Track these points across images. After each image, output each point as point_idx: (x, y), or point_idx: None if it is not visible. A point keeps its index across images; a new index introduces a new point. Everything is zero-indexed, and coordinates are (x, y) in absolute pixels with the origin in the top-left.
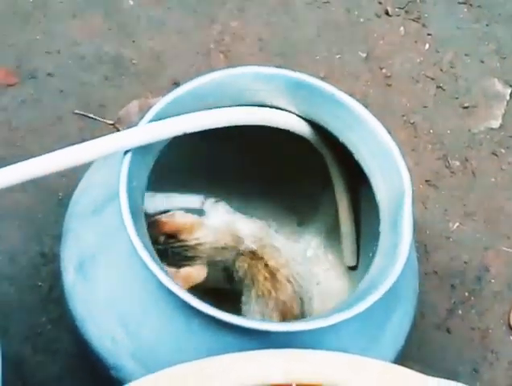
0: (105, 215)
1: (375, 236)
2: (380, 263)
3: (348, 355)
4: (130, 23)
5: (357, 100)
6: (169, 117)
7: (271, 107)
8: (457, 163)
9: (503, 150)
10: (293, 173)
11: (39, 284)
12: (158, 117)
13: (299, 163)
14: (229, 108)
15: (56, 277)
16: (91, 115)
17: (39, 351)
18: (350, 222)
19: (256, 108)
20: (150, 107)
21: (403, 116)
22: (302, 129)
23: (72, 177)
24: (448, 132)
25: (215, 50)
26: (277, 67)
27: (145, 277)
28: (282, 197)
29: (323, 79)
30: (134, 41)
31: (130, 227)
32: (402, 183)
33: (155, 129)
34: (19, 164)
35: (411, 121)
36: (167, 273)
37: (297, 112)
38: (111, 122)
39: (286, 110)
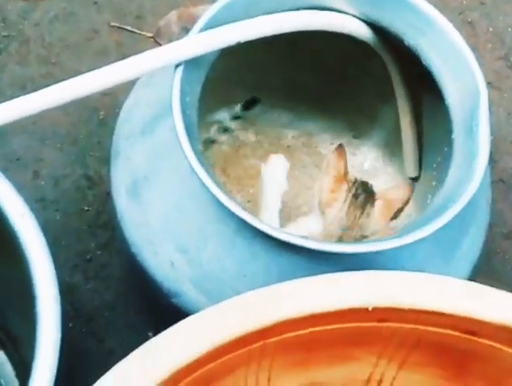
0: (157, 134)
1: (439, 145)
2: (456, 174)
3: (430, 275)
4: None
5: None
6: (220, 25)
7: (329, 9)
8: None
9: None
10: (349, 84)
11: (86, 208)
12: (209, 26)
13: (355, 73)
14: (282, 13)
15: (103, 201)
16: (128, 27)
17: (90, 278)
18: (413, 131)
19: (313, 11)
20: (191, 16)
21: (460, 14)
22: (363, 32)
23: (113, 95)
24: (509, 29)
25: None
26: None
27: (202, 197)
28: (336, 110)
29: None
30: None
31: (185, 144)
32: (477, 86)
33: (208, 38)
34: (61, 84)
35: (469, 20)
36: (226, 192)
37: (358, 15)
38: (150, 35)
39: (346, 13)
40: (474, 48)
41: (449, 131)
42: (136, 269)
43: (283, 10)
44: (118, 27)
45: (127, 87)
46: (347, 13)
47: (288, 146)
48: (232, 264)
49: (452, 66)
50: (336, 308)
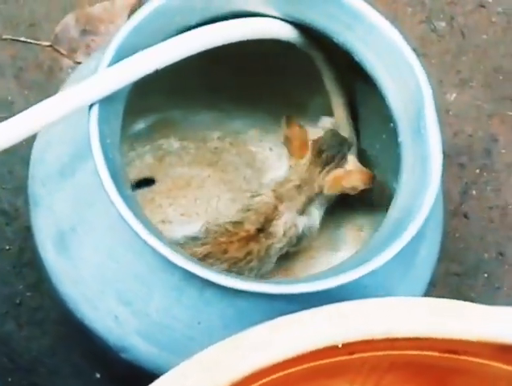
0: (78, 178)
1: (377, 133)
2: (409, 182)
3: (398, 298)
4: None
5: None
6: (132, 50)
7: (251, 14)
8: (443, 24)
9: (490, 0)
10: (275, 77)
11: (7, 247)
12: (120, 55)
13: (281, 65)
14: (201, 28)
15: (24, 237)
16: (22, 38)
17: (23, 325)
18: (349, 129)
19: (231, 21)
20: (89, 17)
21: None
22: (288, 34)
23: None
24: None
25: None
26: None
27: (139, 246)
28: (263, 105)
29: None
30: None
31: (113, 194)
32: (419, 84)
33: (121, 72)
34: None
35: None
36: (165, 241)
37: (281, 16)
38: (48, 43)
39: (269, 15)
40: (394, 14)
41: (389, 123)
42: (76, 324)
43: (198, 23)
44: (12, 39)
45: None
46: (270, 15)
47: (215, 148)
48: (183, 313)
49: (388, 62)
50: (307, 350)
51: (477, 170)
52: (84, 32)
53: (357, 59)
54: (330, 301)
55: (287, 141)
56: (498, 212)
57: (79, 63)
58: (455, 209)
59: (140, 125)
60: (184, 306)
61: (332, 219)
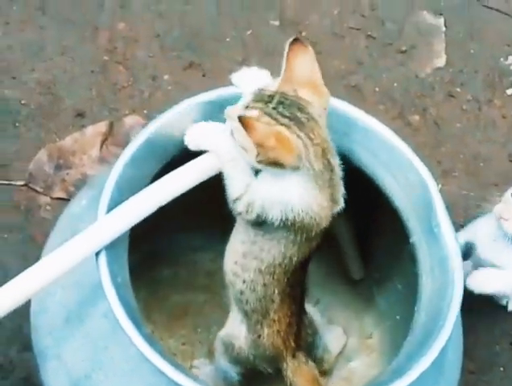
0: (88, 323)
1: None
2: (430, 283)
3: None
4: (2, 57)
5: None
6: (128, 190)
7: None
8: (416, 117)
9: (458, 89)
10: None
11: None
12: (116, 198)
13: None
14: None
15: None
16: None
17: None
18: (352, 241)
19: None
20: (62, 151)
21: (342, 79)
22: None
23: None
24: (395, 84)
25: (111, 61)
26: (189, 64)
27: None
28: None
29: (242, 62)
30: (14, 77)
31: (134, 335)
32: (423, 181)
33: (124, 216)
34: None
35: (353, 84)
36: (192, 376)
37: None
38: (22, 183)
39: None
40: (366, 112)
41: (404, 234)
42: None
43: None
44: None
45: None
46: None
47: (208, 272)
48: None
49: (387, 162)
50: None
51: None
52: (58, 167)
53: (356, 163)
54: None
55: None
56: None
57: (57, 199)
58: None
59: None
60: None
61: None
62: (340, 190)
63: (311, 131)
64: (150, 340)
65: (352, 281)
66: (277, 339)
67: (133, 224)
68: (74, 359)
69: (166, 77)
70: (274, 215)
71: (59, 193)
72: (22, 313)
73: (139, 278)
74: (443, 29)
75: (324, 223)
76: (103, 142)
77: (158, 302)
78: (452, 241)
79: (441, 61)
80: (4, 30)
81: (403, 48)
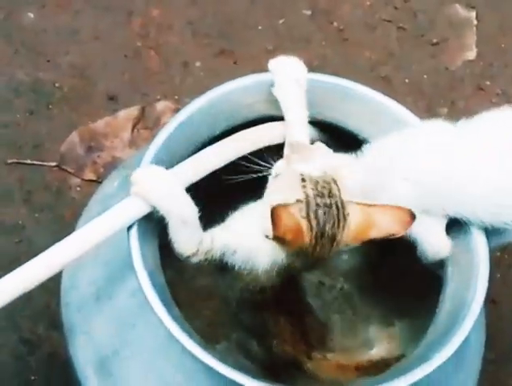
0: (117, 300)
1: None
2: (456, 273)
3: None
4: (37, 40)
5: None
6: (166, 160)
7: (274, 119)
8: (445, 110)
9: (488, 82)
10: None
11: (32, 378)
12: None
13: None
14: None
15: (50, 366)
16: (28, 161)
17: None
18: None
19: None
20: (94, 134)
21: (372, 70)
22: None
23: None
24: (425, 76)
25: (144, 47)
26: (221, 52)
27: (193, 367)
28: None
29: (274, 51)
30: (48, 60)
31: (162, 313)
32: None
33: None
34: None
35: (382, 75)
36: (217, 355)
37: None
38: (54, 164)
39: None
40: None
41: None
42: None
43: (227, 129)
44: (17, 163)
45: None
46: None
47: None
48: None
49: None
50: None
51: (498, 253)
52: (89, 149)
53: None
54: None
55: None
56: None
57: (88, 180)
58: None
59: None
60: None
61: (360, 319)
62: None
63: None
64: (178, 320)
65: (374, 268)
66: (287, 347)
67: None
68: (102, 336)
69: (197, 64)
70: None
71: (89, 175)
72: (50, 290)
73: (166, 259)
74: (475, 22)
75: None
76: (134, 126)
77: (185, 283)
78: (478, 232)
79: (472, 54)
80: (40, 13)
81: (434, 40)
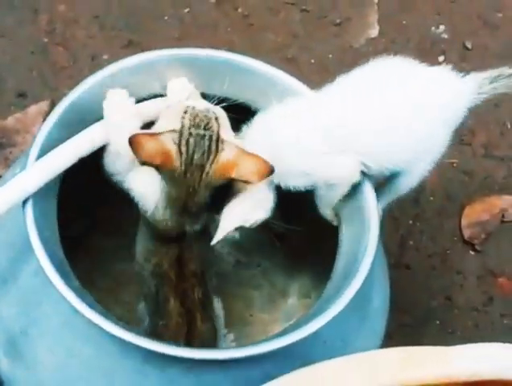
0: (21, 280)
1: None
2: (349, 230)
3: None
4: None
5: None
6: (60, 139)
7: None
8: None
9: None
10: None
11: None
12: (46, 146)
13: None
14: None
15: None
16: None
17: None
18: None
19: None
20: (4, 130)
21: (278, 53)
22: None
23: None
24: (330, 56)
25: (50, 43)
26: (127, 44)
27: (99, 337)
28: None
29: (178, 40)
30: None
31: (62, 288)
32: None
33: (49, 164)
34: None
35: (289, 56)
36: (122, 325)
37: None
38: None
39: None
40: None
41: None
42: None
43: None
44: None
45: None
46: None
47: None
48: None
49: None
50: None
51: (410, 221)
52: (1, 146)
53: None
54: (294, 359)
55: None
56: (438, 259)
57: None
58: (396, 262)
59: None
60: None
61: (278, 292)
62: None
63: None
64: (79, 292)
65: (289, 244)
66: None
67: (55, 175)
68: (9, 316)
69: (105, 56)
70: None
71: (2, 171)
72: None
73: (83, 249)
74: (376, 1)
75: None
76: (45, 120)
77: (103, 270)
78: (369, 192)
79: (374, 32)
80: None
81: (338, 21)
